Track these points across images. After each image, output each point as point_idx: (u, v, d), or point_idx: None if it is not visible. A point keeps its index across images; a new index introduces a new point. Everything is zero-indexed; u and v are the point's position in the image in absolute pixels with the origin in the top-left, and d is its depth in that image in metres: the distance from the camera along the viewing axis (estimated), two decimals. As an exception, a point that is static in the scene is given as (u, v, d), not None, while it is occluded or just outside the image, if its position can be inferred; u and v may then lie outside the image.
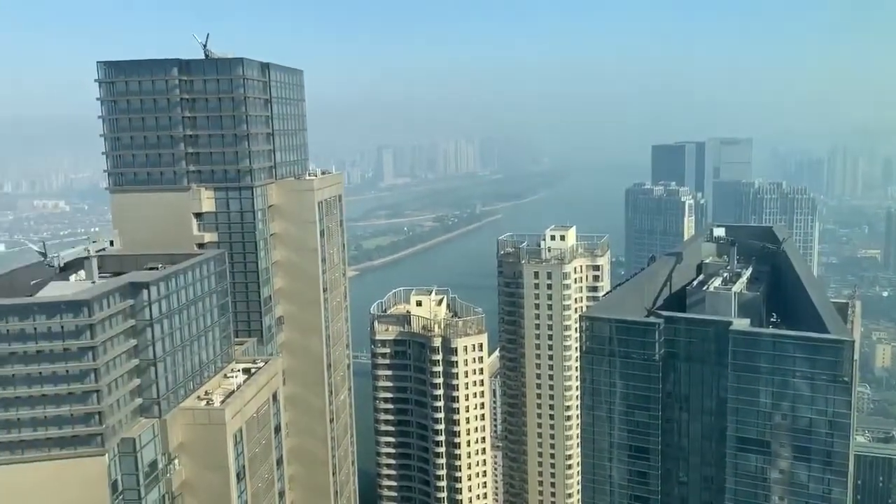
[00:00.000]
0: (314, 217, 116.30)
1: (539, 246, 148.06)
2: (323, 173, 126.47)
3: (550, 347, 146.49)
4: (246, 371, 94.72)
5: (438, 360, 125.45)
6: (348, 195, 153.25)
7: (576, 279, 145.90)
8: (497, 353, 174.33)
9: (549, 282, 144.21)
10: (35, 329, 70.79)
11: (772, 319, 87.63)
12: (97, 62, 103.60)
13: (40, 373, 70.95)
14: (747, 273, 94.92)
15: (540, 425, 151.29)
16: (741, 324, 77.72)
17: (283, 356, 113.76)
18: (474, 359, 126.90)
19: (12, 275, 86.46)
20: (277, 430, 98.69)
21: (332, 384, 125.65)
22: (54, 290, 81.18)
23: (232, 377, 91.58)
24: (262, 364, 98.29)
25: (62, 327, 71.21)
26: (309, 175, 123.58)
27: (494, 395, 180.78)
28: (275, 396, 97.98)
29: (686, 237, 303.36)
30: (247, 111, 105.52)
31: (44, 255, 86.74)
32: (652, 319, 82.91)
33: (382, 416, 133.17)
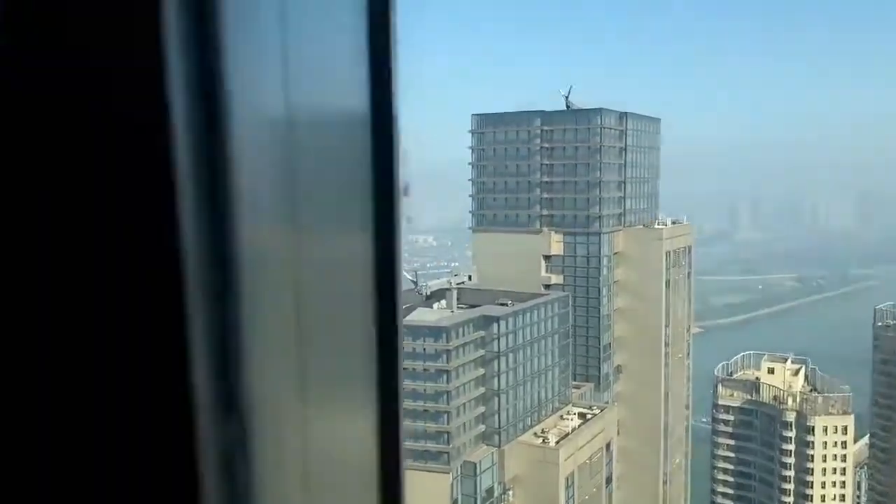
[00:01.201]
0: (660, 267, 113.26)
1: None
2: (673, 223, 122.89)
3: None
4: (581, 416, 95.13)
5: (791, 438, 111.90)
6: (699, 247, 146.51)
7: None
8: (865, 440, 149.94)
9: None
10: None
11: None
12: (472, 115, 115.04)
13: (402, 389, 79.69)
14: None
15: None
16: None
17: (618, 406, 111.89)
18: (836, 443, 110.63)
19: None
20: (608, 481, 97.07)
21: (668, 444, 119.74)
22: (420, 316, 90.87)
23: (568, 420, 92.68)
24: (597, 411, 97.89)
25: (424, 349, 79.22)
26: (658, 224, 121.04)
27: (858, 489, 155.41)
28: (608, 446, 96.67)
29: None
30: (601, 159, 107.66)
31: (415, 283, 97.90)
32: None
33: (720, 489, 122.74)
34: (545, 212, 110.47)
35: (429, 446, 78.98)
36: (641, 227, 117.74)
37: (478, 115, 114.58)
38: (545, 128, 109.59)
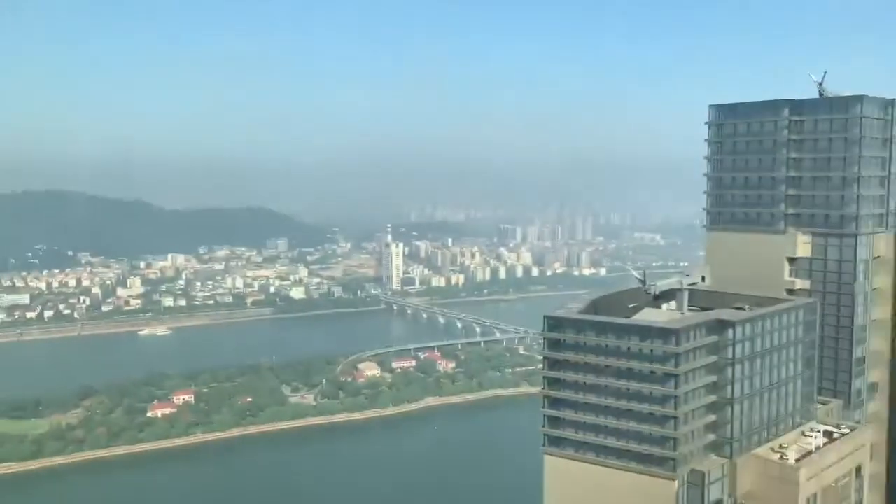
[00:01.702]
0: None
1: None
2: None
3: None
4: (827, 434, 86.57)
5: None
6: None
7: None
8: None
9: None
10: (629, 348, 78.07)
11: None
12: (709, 105, 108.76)
13: (628, 389, 77.87)
14: None
15: None
16: None
17: (872, 428, 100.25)
18: None
19: (613, 297, 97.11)
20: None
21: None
22: (647, 316, 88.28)
23: (811, 437, 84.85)
24: (847, 431, 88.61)
25: (651, 351, 76.77)
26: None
27: None
28: (858, 470, 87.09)
29: None
30: (860, 153, 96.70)
31: (643, 282, 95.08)
32: None
33: None
34: (791, 210, 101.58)
35: (653, 450, 76.45)
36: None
37: (716, 105, 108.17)
38: (794, 118, 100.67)
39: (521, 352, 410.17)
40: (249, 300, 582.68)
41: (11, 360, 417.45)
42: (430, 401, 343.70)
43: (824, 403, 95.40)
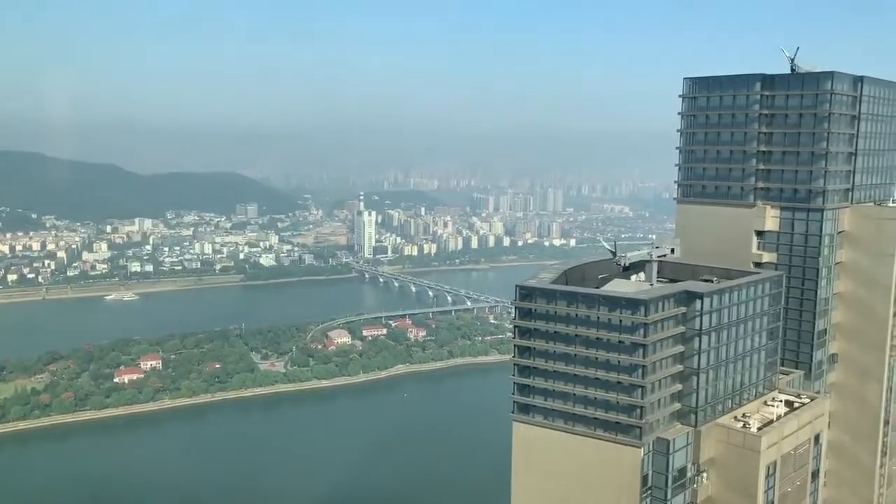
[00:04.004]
0: (893, 250, 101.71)
1: None
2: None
3: None
4: (788, 404, 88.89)
5: None
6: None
7: None
8: None
9: None
10: (598, 318, 78.76)
11: None
12: (684, 78, 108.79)
13: (596, 358, 78.73)
14: None
15: None
16: None
17: (831, 397, 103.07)
18: None
19: (584, 267, 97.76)
20: (815, 475, 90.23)
21: (888, 444, 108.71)
22: (617, 287, 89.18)
23: (772, 406, 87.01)
24: (807, 400, 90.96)
25: (620, 321, 77.56)
26: (893, 202, 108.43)
27: None
28: (817, 439, 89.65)
29: None
30: (829, 128, 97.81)
31: (614, 253, 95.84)
32: None
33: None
34: (761, 184, 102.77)
35: (620, 418, 77.70)
36: (872, 204, 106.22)
37: (690, 78, 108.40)
38: (766, 93, 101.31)
39: (492, 321, 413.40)
40: (218, 266, 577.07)
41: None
42: (401, 368, 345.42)
43: (786, 374, 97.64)
